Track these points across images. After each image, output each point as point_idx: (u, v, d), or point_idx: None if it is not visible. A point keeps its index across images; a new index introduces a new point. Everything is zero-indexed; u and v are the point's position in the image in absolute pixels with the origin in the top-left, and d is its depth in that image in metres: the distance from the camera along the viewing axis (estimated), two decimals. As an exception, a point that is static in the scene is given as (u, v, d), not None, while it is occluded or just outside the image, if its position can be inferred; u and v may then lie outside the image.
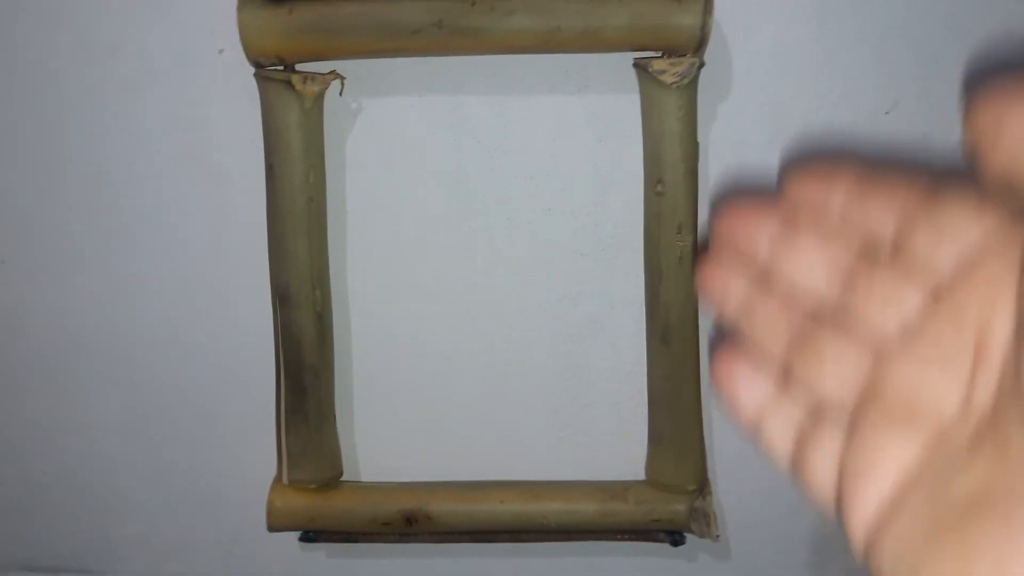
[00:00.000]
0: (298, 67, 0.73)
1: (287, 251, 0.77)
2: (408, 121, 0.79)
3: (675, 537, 0.83)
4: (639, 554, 0.88)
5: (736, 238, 0.30)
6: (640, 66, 0.71)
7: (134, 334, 0.87)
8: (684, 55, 0.69)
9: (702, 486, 0.81)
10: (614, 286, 0.83)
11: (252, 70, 0.73)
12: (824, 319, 0.25)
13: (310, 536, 0.85)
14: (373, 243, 0.83)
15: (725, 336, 0.28)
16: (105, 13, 0.78)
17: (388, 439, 0.88)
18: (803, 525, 0.90)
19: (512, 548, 0.87)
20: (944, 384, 0.22)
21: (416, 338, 0.85)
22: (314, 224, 0.77)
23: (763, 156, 0.79)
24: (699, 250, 0.76)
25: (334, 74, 0.74)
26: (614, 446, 0.86)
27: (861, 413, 0.23)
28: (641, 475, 0.84)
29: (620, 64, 0.73)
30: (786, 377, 0.26)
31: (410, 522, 0.83)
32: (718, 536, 0.81)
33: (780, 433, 0.26)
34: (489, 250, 0.82)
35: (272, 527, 0.83)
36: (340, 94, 0.76)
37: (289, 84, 0.72)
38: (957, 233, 0.23)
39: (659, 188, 0.73)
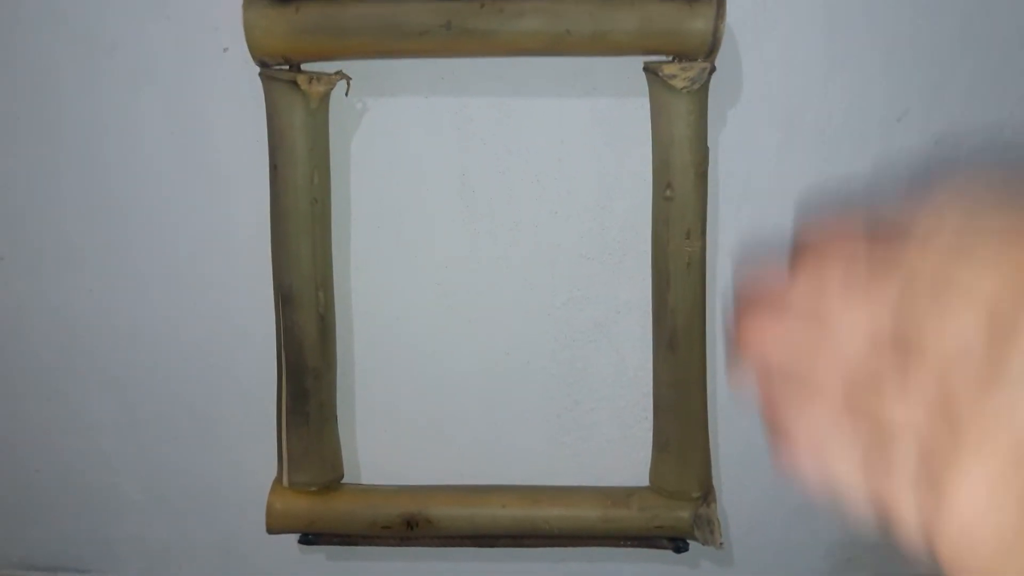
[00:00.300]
0: (304, 67, 0.72)
1: (290, 252, 0.76)
2: (414, 122, 0.78)
3: (678, 544, 0.83)
4: (641, 560, 0.88)
5: (769, 302, 0.30)
6: (650, 70, 0.70)
7: (134, 334, 0.86)
8: (695, 60, 0.69)
9: (706, 493, 0.80)
10: (619, 290, 0.82)
11: (257, 69, 0.72)
12: (881, 348, 0.25)
13: (309, 538, 0.85)
14: (377, 245, 0.82)
15: (775, 381, 0.28)
16: (106, 10, 0.76)
17: (389, 442, 0.87)
18: (805, 533, 0.89)
19: (513, 553, 0.86)
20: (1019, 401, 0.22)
21: (419, 341, 0.84)
22: (318, 225, 0.76)
23: (773, 161, 0.78)
24: (706, 255, 0.75)
25: (340, 74, 0.73)
26: (617, 451, 0.86)
27: (935, 436, 0.23)
28: (643, 481, 0.83)
29: (627, 67, 0.73)
30: (848, 410, 0.26)
31: (410, 525, 0.82)
32: (721, 543, 0.81)
33: (846, 467, 0.26)
34: (494, 253, 0.81)
35: (272, 529, 0.83)
36: (346, 94, 0.75)
37: (295, 84, 0.71)
38: (998, 265, 0.23)
39: (668, 193, 0.72)
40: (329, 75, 0.73)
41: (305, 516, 0.83)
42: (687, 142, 0.71)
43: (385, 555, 0.89)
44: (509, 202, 0.80)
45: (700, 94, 0.70)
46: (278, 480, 0.83)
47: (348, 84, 0.75)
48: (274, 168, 0.74)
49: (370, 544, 0.85)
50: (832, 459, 0.27)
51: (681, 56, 0.69)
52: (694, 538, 0.81)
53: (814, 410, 0.27)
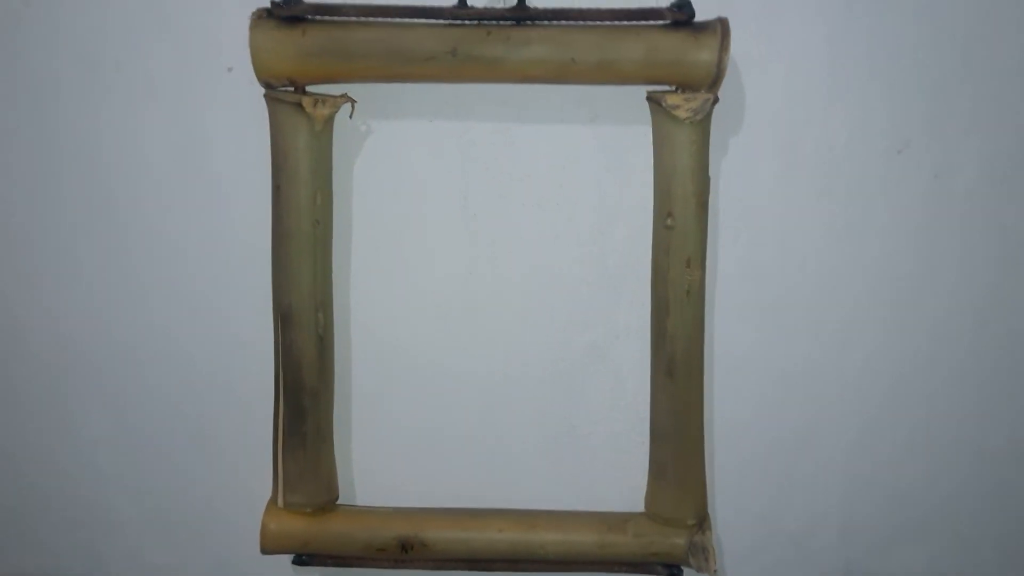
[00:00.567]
0: (308, 89, 0.73)
1: (291, 272, 0.76)
2: (417, 145, 0.79)
3: (673, 571, 0.82)
4: (635, 586, 0.87)
5: None
6: (654, 100, 0.70)
7: (133, 351, 0.86)
8: (699, 90, 0.69)
9: (702, 520, 0.80)
10: (618, 316, 0.82)
11: (261, 89, 0.72)
12: None
13: (304, 559, 0.84)
14: (377, 267, 0.82)
15: None
16: (111, 29, 0.77)
17: (385, 463, 0.87)
18: (800, 561, 0.89)
19: (508, 577, 0.86)
20: None
21: (417, 363, 0.84)
22: (319, 246, 0.76)
23: (773, 191, 0.79)
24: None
25: (345, 97, 0.74)
26: (613, 477, 0.86)
27: None
28: (639, 507, 0.83)
29: (629, 96, 0.73)
30: None
31: (405, 548, 0.82)
32: (716, 571, 0.81)
33: None
34: (494, 276, 0.82)
35: (266, 549, 0.82)
36: (350, 116, 0.76)
37: (299, 106, 0.71)
38: None
39: (669, 221, 0.73)
40: (334, 97, 0.73)
41: (300, 537, 0.82)
42: (689, 172, 0.71)
43: (379, 577, 0.89)
44: (510, 226, 0.81)
45: (703, 124, 0.70)
46: (273, 500, 0.82)
47: (352, 106, 0.75)
48: (277, 189, 0.74)
49: (364, 566, 0.84)
50: None
51: (685, 87, 0.70)
52: (689, 565, 0.81)
53: None
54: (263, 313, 0.79)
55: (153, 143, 0.79)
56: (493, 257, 0.81)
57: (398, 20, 0.70)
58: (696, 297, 0.75)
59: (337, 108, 0.73)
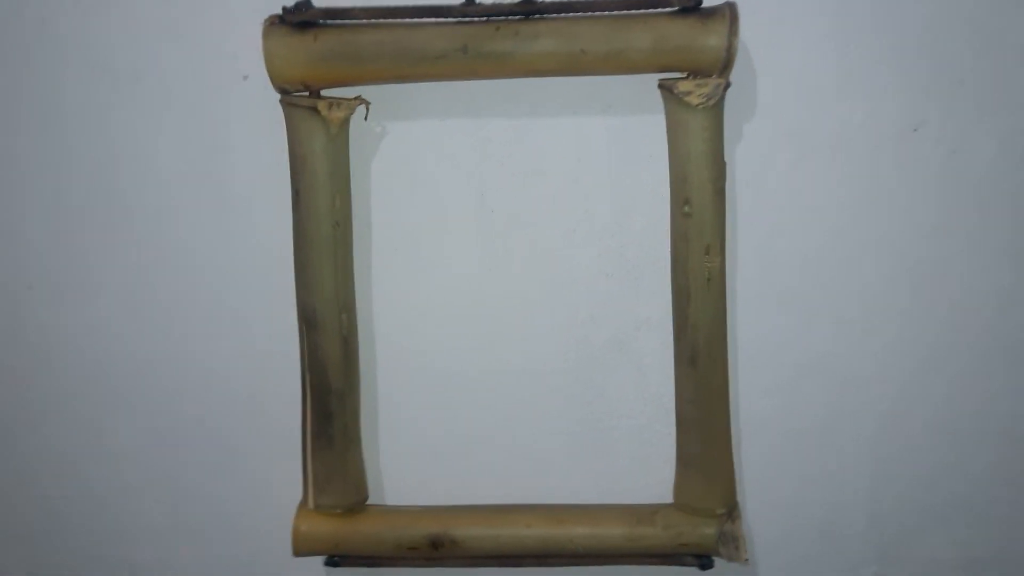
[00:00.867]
0: (323, 93, 0.74)
1: (313, 276, 0.77)
2: (432, 144, 0.80)
3: (703, 561, 0.82)
4: (667, 577, 0.87)
5: None
6: (665, 87, 0.71)
7: (158, 360, 0.87)
8: (710, 76, 0.69)
9: (731, 509, 0.80)
10: (639, 308, 0.82)
11: (277, 96, 0.74)
12: None
13: (335, 561, 0.85)
14: (398, 266, 0.83)
15: None
16: (130, 40, 0.79)
17: (413, 462, 0.88)
18: (831, 549, 0.89)
19: (538, 573, 0.86)
20: None
21: (440, 361, 0.85)
22: (340, 248, 0.77)
23: (790, 175, 0.78)
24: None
25: (359, 99, 0.75)
26: (640, 468, 0.86)
27: None
28: (666, 498, 0.83)
29: (642, 85, 0.73)
30: None
31: (436, 546, 0.83)
32: (747, 560, 0.81)
33: None
34: (513, 272, 0.82)
35: (298, 552, 0.83)
36: (365, 119, 0.77)
37: (315, 110, 0.72)
38: None
39: (686, 209, 0.73)
40: (348, 100, 0.74)
41: (331, 538, 0.83)
42: (704, 158, 0.71)
43: (411, 576, 0.89)
44: (527, 222, 0.81)
45: (716, 110, 0.70)
46: (303, 503, 0.83)
47: (367, 109, 0.76)
48: (296, 193, 0.75)
49: (396, 565, 0.85)
50: None
51: (696, 73, 0.70)
52: (719, 555, 0.81)
53: None
54: (287, 318, 0.80)
55: (172, 153, 0.81)
56: (511, 252, 0.82)
57: (407, 21, 0.71)
58: (717, 284, 0.75)
59: (352, 110, 0.74)
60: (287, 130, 0.74)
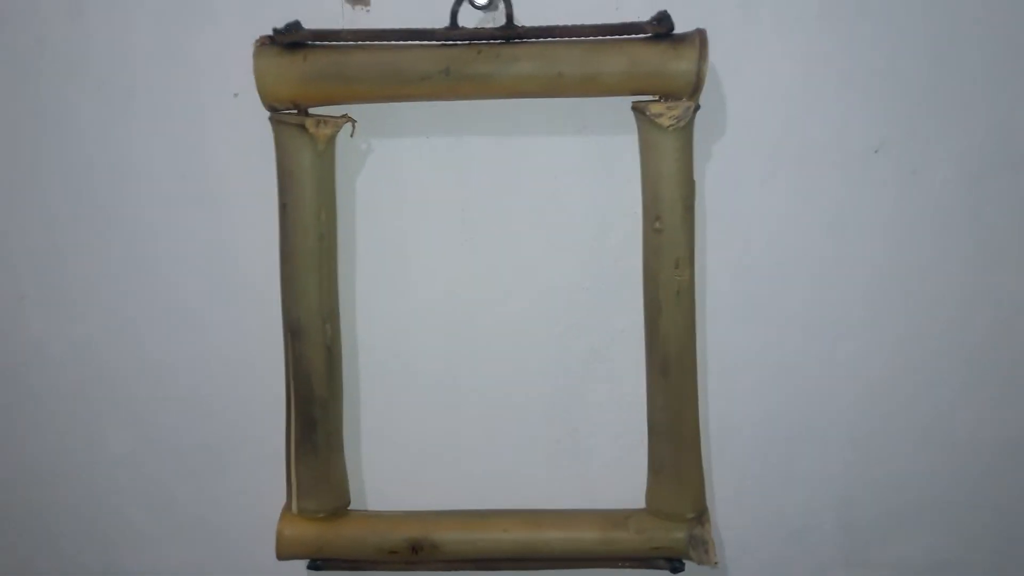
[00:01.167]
0: (311, 111, 0.76)
1: (299, 287, 0.79)
2: (416, 161, 0.82)
3: (675, 564, 0.85)
4: (640, 581, 0.89)
5: None
6: (638, 109, 0.74)
7: (147, 368, 0.89)
8: (680, 99, 0.72)
9: (700, 514, 0.83)
10: (614, 319, 0.85)
11: (266, 113, 0.76)
12: None
13: (318, 564, 0.87)
14: (381, 279, 0.85)
15: None
16: (123, 58, 0.81)
17: (394, 469, 0.90)
18: (799, 551, 0.91)
19: (515, 575, 0.88)
20: None
21: (422, 371, 0.87)
22: (325, 260, 0.79)
23: (756, 193, 0.82)
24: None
25: (346, 118, 0.77)
26: (614, 475, 0.88)
27: None
28: (640, 503, 0.85)
29: (617, 107, 0.76)
30: None
31: (416, 550, 0.84)
32: (716, 563, 0.83)
33: None
34: (493, 285, 0.85)
35: (281, 555, 0.85)
36: (351, 136, 0.79)
37: (303, 128, 0.75)
38: None
39: (657, 225, 0.76)
40: (336, 118, 0.77)
41: (314, 542, 0.85)
42: (674, 177, 0.74)
43: (391, 580, 0.91)
44: (507, 236, 0.84)
45: (686, 131, 0.74)
46: (287, 508, 0.85)
47: (353, 126, 0.79)
48: (283, 207, 0.78)
49: (377, 568, 0.87)
50: None
51: (667, 96, 0.73)
52: (690, 558, 0.83)
53: None
54: (273, 328, 0.82)
55: (164, 167, 0.83)
56: (492, 265, 0.84)
57: (393, 43, 0.74)
58: (687, 297, 0.78)
59: (339, 128, 0.77)
60: (276, 146, 0.77)
